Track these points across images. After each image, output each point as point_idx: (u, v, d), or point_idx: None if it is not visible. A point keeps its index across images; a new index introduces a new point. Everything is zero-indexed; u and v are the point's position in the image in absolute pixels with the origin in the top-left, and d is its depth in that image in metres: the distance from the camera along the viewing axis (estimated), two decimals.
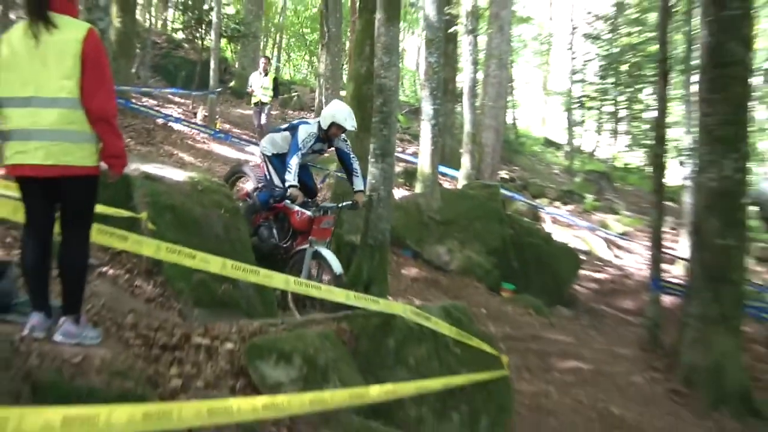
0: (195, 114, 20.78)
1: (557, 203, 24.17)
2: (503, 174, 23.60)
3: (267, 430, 4.58)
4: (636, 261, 19.99)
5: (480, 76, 21.35)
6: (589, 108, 33.36)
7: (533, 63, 48.34)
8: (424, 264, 13.55)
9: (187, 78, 23.17)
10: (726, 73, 9.29)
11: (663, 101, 12.02)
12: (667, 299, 13.14)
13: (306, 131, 8.39)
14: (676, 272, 18.18)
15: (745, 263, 9.97)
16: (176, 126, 17.92)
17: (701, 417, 8.68)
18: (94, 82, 4.12)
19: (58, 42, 4.07)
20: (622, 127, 32.99)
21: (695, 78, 18.91)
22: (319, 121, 8.58)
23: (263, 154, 8.84)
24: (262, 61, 19.57)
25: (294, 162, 8.16)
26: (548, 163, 32.30)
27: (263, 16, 30.80)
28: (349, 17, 28.08)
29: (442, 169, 17.60)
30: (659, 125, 12.04)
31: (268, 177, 8.79)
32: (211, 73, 19.98)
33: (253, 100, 18.06)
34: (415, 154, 19.99)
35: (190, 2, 23.03)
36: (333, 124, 8.41)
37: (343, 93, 22.71)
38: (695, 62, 18.63)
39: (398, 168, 14.88)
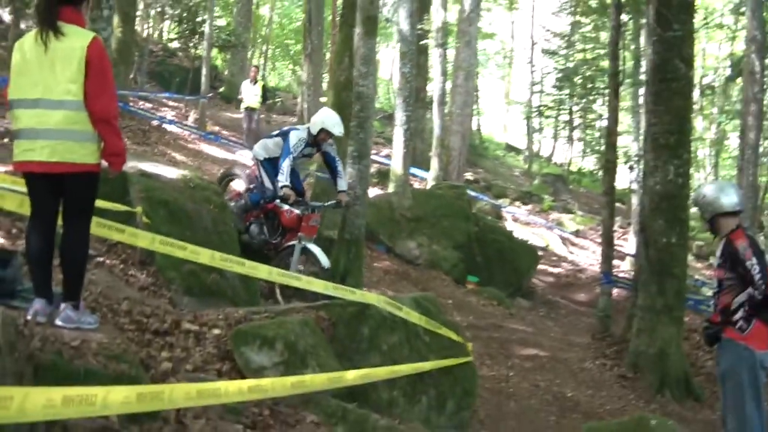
0: (187, 117, 20.63)
1: (517, 203, 24.23)
2: (468, 176, 23.61)
3: (249, 411, 4.55)
4: (588, 257, 20.12)
5: (448, 85, 21.35)
6: (547, 116, 33.44)
7: (496, 75, 48.50)
8: (396, 258, 13.54)
9: (180, 84, 23.00)
10: (670, 87, 9.35)
11: (614, 112, 12.09)
12: (616, 292, 13.23)
13: (297, 137, 8.35)
14: (624, 267, 18.34)
15: (686, 259, 10.04)
16: (170, 128, 17.79)
17: (647, 400, 8.73)
18: (98, 86, 4.09)
19: (65, 49, 4.04)
20: (577, 134, 33.14)
21: (642, 91, 19.07)
22: (308, 127, 8.54)
23: (256, 159, 8.78)
24: (251, 69, 19.46)
25: (286, 164, 8.13)
26: (509, 167, 32.40)
27: (251, 28, 30.61)
28: (330, 30, 27.99)
29: (413, 170, 17.59)
30: (611, 133, 12.11)
31: (259, 180, 8.73)
32: (203, 79, 19.87)
33: (243, 105, 17.96)
34: (388, 156, 19.95)
35: (184, 15, 22.87)
36: (322, 130, 8.38)
37: (323, 99, 22.65)
38: (642, 77, 18.79)
39: (372, 169, 14.84)
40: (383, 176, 18.61)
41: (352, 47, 11.85)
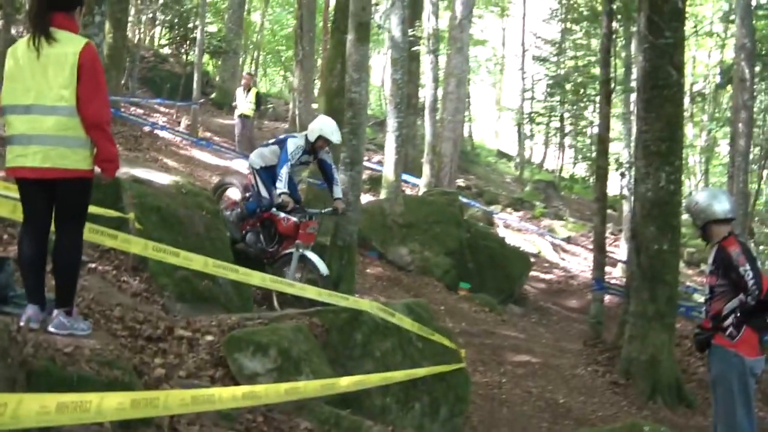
0: (179, 123, 20.59)
1: (509, 209, 24.24)
2: (460, 182, 23.63)
3: (243, 418, 4.55)
4: (579, 263, 20.15)
5: (440, 92, 21.40)
6: (538, 123, 33.49)
7: (487, 81, 48.60)
8: (388, 264, 13.54)
9: (171, 90, 22.94)
10: (661, 94, 9.37)
11: (606, 119, 12.14)
12: (608, 298, 13.26)
13: (294, 144, 8.34)
14: (616, 274, 18.38)
15: (678, 266, 10.07)
16: (161, 133, 17.75)
17: (639, 406, 8.74)
18: (90, 92, 4.09)
19: (57, 54, 4.04)
20: (568, 141, 33.23)
21: (633, 98, 19.15)
22: (306, 135, 8.52)
23: (252, 168, 8.74)
24: (245, 77, 19.42)
25: (284, 171, 8.14)
26: (501, 173, 32.43)
27: (243, 35, 30.61)
28: (322, 37, 28.04)
29: (405, 176, 17.58)
30: (602, 140, 12.14)
31: (256, 189, 8.69)
32: (195, 85, 19.82)
33: (237, 113, 17.93)
34: (380, 163, 19.97)
35: (176, 21, 22.84)
36: (320, 138, 8.37)
37: (315, 106, 22.67)
38: (633, 84, 18.87)
39: (364, 175, 14.84)
40: (375, 182, 18.61)
41: (344, 54, 11.86)
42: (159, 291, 6.75)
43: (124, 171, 7.32)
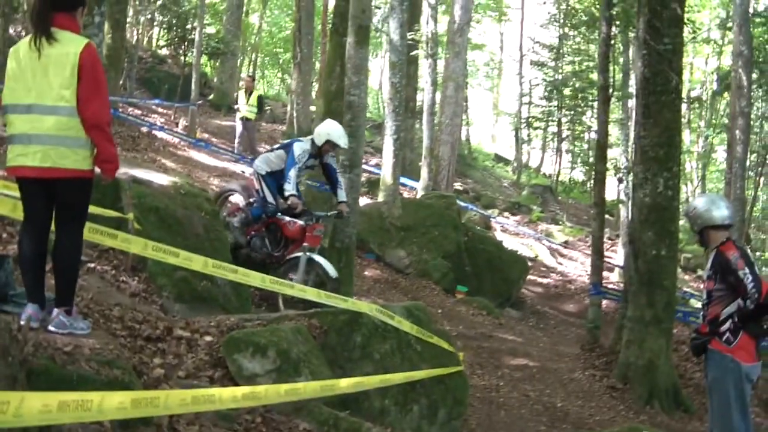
0: (177, 124, 20.58)
1: (506, 213, 24.27)
2: (457, 186, 23.64)
3: (242, 419, 4.55)
4: (576, 268, 20.17)
5: (438, 96, 21.43)
6: (536, 128, 33.52)
7: (485, 85, 48.71)
8: (385, 267, 13.55)
9: (169, 91, 22.94)
10: (659, 100, 9.38)
11: (604, 124, 12.14)
12: (605, 303, 13.26)
13: (301, 148, 8.33)
14: (613, 279, 18.40)
15: (676, 271, 10.09)
16: (159, 134, 17.74)
17: (636, 411, 8.74)
18: (90, 92, 4.08)
19: (58, 55, 4.04)
20: (565, 145, 33.27)
21: (631, 103, 19.19)
22: (312, 139, 8.50)
23: (257, 173, 8.70)
24: (246, 79, 19.40)
25: (293, 174, 8.13)
26: (498, 177, 32.46)
27: (241, 36, 30.61)
28: (320, 39, 28.05)
29: (403, 179, 17.62)
30: (601, 145, 12.15)
31: (261, 194, 8.65)
32: (193, 86, 19.82)
33: (238, 115, 17.93)
34: (377, 166, 19.97)
35: (174, 21, 22.83)
36: (327, 142, 8.36)
37: (312, 108, 22.69)
38: (631, 89, 18.91)
39: (362, 178, 14.84)
40: (373, 185, 18.62)
41: (342, 56, 11.88)
42: (157, 291, 6.76)
43: (123, 171, 7.31)
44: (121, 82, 19.52)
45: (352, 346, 5.83)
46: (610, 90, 12.41)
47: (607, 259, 16.61)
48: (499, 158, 37.58)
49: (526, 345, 11.33)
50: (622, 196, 20.07)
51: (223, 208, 9.34)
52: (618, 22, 14.09)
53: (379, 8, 21.75)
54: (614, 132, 25.82)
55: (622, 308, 10.37)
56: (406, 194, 18.67)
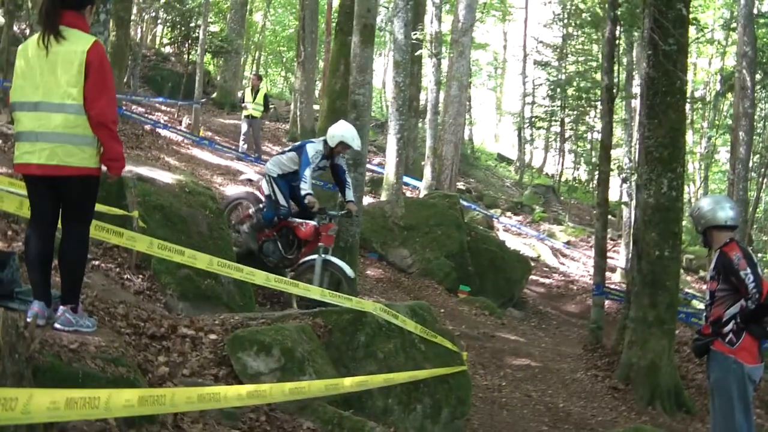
0: (180, 122, 20.60)
1: (508, 213, 24.31)
2: (460, 185, 23.66)
3: (246, 417, 4.56)
4: (578, 268, 20.18)
5: (441, 95, 21.45)
6: (539, 127, 33.58)
7: (488, 85, 48.73)
8: (388, 266, 13.56)
9: (173, 88, 22.94)
10: (664, 100, 9.38)
11: (609, 124, 12.14)
12: (608, 304, 13.26)
13: (314, 149, 8.32)
14: (615, 279, 18.40)
15: (679, 272, 10.08)
16: (163, 132, 17.76)
17: (638, 412, 8.74)
18: (96, 90, 4.08)
19: (66, 52, 4.04)
20: (568, 145, 33.27)
21: (634, 103, 19.20)
22: (324, 140, 8.49)
23: (269, 176, 8.67)
24: (253, 78, 19.43)
25: (308, 173, 8.13)
26: (500, 177, 32.48)
27: (244, 35, 30.62)
28: (324, 38, 28.06)
29: (406, 179, 17.62)
30: (605, 146, 12.14)
31: (273, 197, 8.61)
32: (196, 84, 19.83)
33: (244, 113, 17.98)
34: (380, 165, 20.00)
35: (177, 19, 22.85)
36: (341, 143, 8.37)
37: (316, 107, 22.71)
38: (635, 90, 18.92)
39: (365, 177, 14.88)
40: (376, 184, 18.64)
41: (347, 55, 11.90)
42: (162, 289, 6.77)
43: (128, 169, 7.31)
44: (125, 80, 19.56)
45: (356, 345, 5.84)
46: (615, 90, 12.39)
47: (609, 260, 16.62)
48: (501, 158, 37.60)
49: (528, 345, 11.33)
50: (625, 197, 20.09)
51: (232, 217, 9.30)
52: (623, 22, 14.07)
53: (387, 8, 21.72)
54: (618, 132, 25.84)
55: (624, 309, 10.37)
56: (409, 193, 18.68)
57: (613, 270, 18.74)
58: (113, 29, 15.34)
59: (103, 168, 4.30)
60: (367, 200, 16.34)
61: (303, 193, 8.10)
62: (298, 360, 5.05)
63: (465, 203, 19.00)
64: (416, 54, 19.50)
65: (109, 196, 6.54)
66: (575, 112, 30.23)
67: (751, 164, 19.21)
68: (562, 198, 28.86)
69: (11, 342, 3.17)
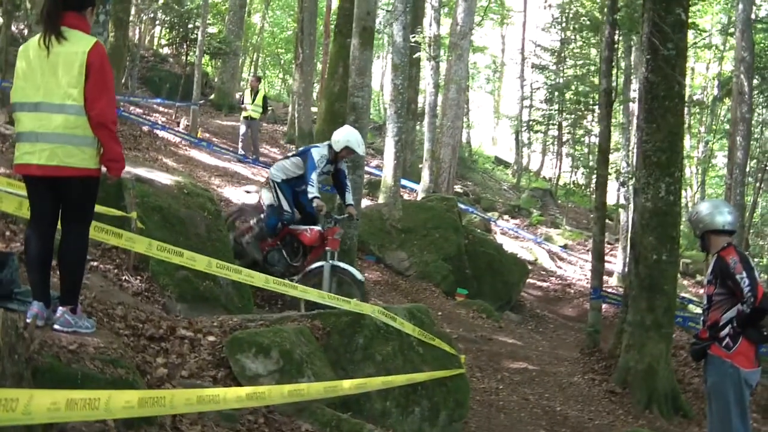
0: (178, 123, 20.60)
1: (506, 216, 24.32)
2: (457, 188, 23.66)
3: (245, 419, 4.55)
4: (575, 272, 20.19)
5: (440, 98, 21.47)
6: (536, 131, 33.58)
7: (486, 88, 48.76)
8: (386, 268, 13.56)
9: (171, 90, 22.97)
10: (662, 105, 9.39)
11: (607, 128, 12.16)
12: (605, 307, 13.27)
13: (319, 153, 8.30)
14: (612, 283, 18.42)
15: (677, 276, 10.10)
16: (161, 133, 17.76)
17: (635, 416, 8.76)
18: (97, 91, 4.08)
19: (67, 53, 4.04)
20: (565, 149, 33.29)
21: (632, 107, 19.22)
22: (328, 144, 8.47)
23: (273, 181, 8.65)
24: (252, 79, 19.44)
25: (315, 177, 8.11)
26: (498, 180, 32.49)
27: (243, 36, 30.63)
28: (322, 40, 28.08)
29: (404, 181, 17.63)
30: (603, 150, 12.17)
31: (276, 203, 8.58)
32: (194, 86, 19.83)
33: (243, 114, 17.99)
34: (378, 167, 20.01)
35: (175, 21, 22.85)
36: (346, 148, 8.37)
37: (314, 109, 22.72)
38: (632, 94, 18.94)
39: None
40: (373, 187, 18.65)
41: (346, 57, 11.91)
42: (160, 291, 6.77)
43: (126, 170, 7.31)
44: (123, 81, 19.56)
45: (354, 348, 5.84)
46: (613, 94, 12.41)
47: (606, 264, 16.65)
48: (499, 161, 37.64)
49: (525, 348, 11.34)
50: (623, 201, 20.12)
51: (233, 230, 9.25)
52: (622, 27, 14.09)
53: (386, 10, 21.75)
54: (615, 136, 25.88)
55: (622, 313, 10.39)
56: (406, 196, 18.69)
57: (609, 274, 18.75)
58: (111, 30, 15.33)
59: (103, 169, 4.30)
60: (364, 203, 16.35)
61: (311, 196, 8.06)
62: (296, 362, 5.05)
63: (462, 206, 19.02)
64: (414, 57, 19.52)
65: (107, 197, 6.53)
66: (573, 116, 30.26)
67: (748, 169, 19.23)
68: (559, 201, 28.88)
69: (11, 343, 3.17)
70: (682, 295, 16.87)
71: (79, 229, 4.24)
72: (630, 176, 17.55)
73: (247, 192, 9.87)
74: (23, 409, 2.39)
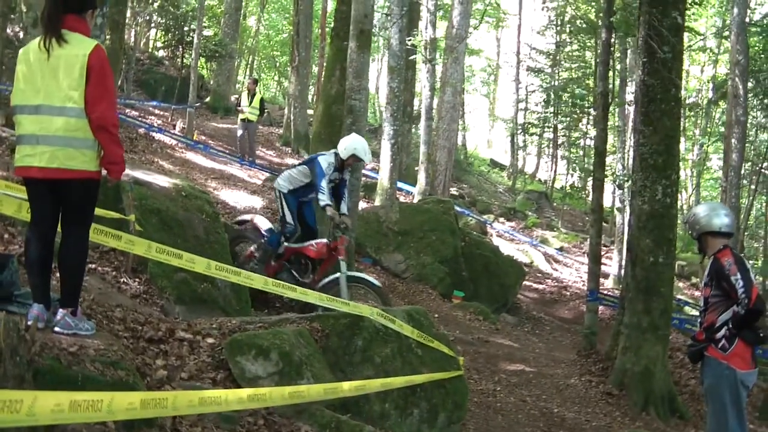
0: (174, 126, 20.60)
1: (501, 219, 24.35)
2: (453, 191, 23.68)
3: (245, 421, 4.56)
4: (571, 274, 20.22)
5: (435, 101, 21.50)
6: (531, 134, 33.63)
7: (482, 91, 48.79)
8: (383, 271, 13.56)
9: (166, 92, 22.95)
10: (659, 107, 9.42)
11: (603, 131, 12.18)
12: (601, 310, 13.30)
13: (326, 161, 8.28)
14: (608, 285, 18.45)
15: (673, 279, 10.13)
16: (157, 136, 17.76)
17: (632, 417, 8.77)
18: (97, 94, 4.09)
19: (67, 56, 4.05)
20: (560, 152, 33.35)
21: (628, 110, 19.27)
22: (335, 152, 8.46)
23: (278, 191, 8.63)
24: (249, 82, 19.44)
25: (324, 184, 8.09)
26: (493, 183, 32.52)
27: (238, 39, 30.62)
28: (318, 43, 28.10)
29: (400, 184, 17.64)
30: (599, 152, 12.18)
31: (281, 214, 8.59)
32: (190, 88, 19.81)
33: (240, 116, 18.00)
34: (374, 170, 20.00)
35: (171, 23, 22.84)
36: (353, 156, 8.37)
37: (310, 112, 22.74)
38: (628, 97, 18.99)
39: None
40: (370, 189, 18.64)
41: (343, 60, 11.94)
42: (158, 293, 6.77)
43: (124, 173, 7.32)
44: (118, 84, 19.54)
45: (353, 350, 5.85)
46: (609, 97, 12.44)
47: (602, 266, 16.68)
48: (494, 164, 37.67)
49: (522, 350, 11.35)
50: (618, 203, 20.16)
51: (237, 255, 9.10)
52: (618, 30, 14.13)
53: (384, 14, 21.76)
54: (611, 139, 25.93)
55: (618, 315, 10.40)
56: (402, 199, 18.70)
57: (605, 276, 18.79)
58: (108, 33, 15.33)
59: (103, 171, 4.30)
60: (361, 205, 16.35)
61: (322, 203, 8.07)
62: (295, 364, 5.06)
63: (458, 209, 19.03)
64: (410, 59, 19.54)
65: (105, 200, 6.52)
66: (568, 119, 30.32)
67: (743, 172, 19.30)
68: (554, 204, 28.93)
69: (13, 345, 3.17)
70: (679, 297, 16.91)
71: (79, 231, 4.24)
72: (626, 179, 17.60)
73: (241, 223, 9.72)
74: (27, 410, 2.40)
